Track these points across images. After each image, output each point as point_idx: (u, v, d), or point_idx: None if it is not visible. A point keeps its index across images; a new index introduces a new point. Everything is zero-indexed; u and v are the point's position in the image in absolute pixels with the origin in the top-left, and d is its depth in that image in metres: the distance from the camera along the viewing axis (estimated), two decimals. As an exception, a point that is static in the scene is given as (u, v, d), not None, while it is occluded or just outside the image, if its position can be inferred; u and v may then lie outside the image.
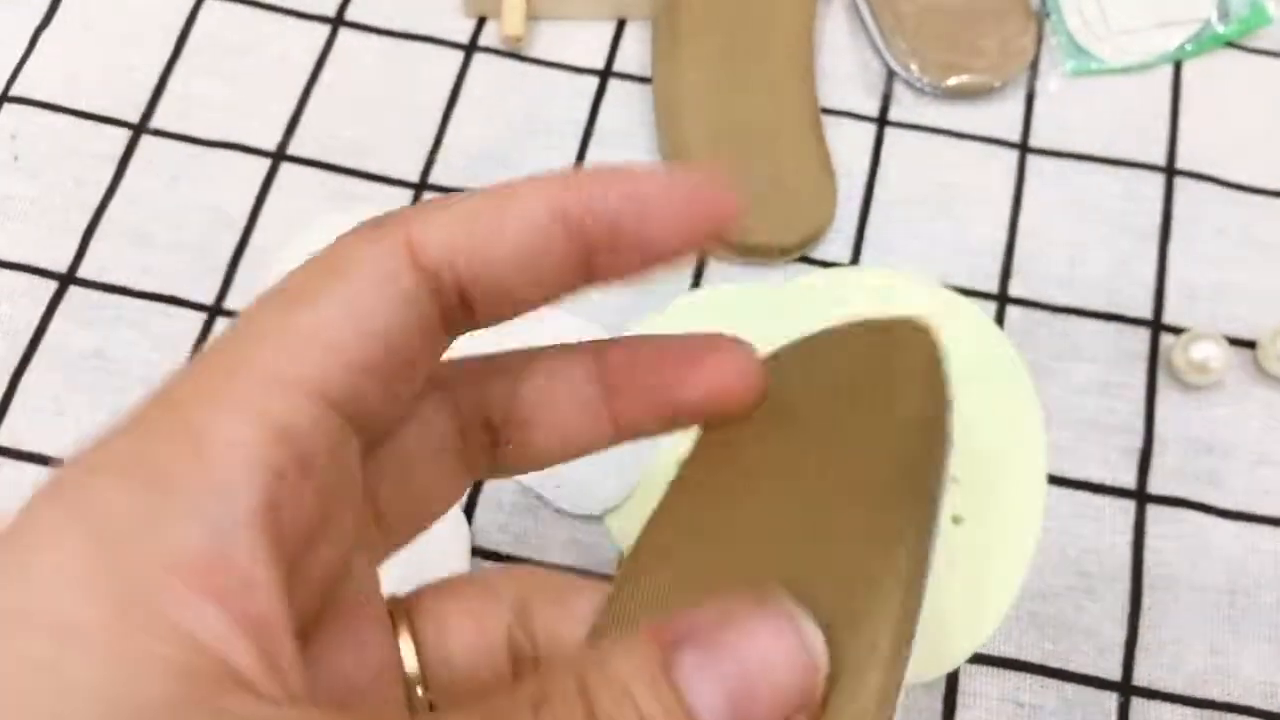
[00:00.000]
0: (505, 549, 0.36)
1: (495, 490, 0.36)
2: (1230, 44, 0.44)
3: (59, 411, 0.37)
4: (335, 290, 0.16)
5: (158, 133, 0.41)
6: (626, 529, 0.36)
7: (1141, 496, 0.36)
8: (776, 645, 0.15)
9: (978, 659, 0.34)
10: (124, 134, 0.41)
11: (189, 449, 0.14)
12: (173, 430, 0.15)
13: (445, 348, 0.19)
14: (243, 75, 0.43)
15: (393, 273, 0.17)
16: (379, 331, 0.17)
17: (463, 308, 0.18)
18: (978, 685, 0.34)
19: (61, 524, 0.14)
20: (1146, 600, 0.35)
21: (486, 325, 0.19)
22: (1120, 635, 0.35)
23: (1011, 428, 0.37)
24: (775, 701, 0.14)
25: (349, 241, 0.17)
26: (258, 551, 0.14)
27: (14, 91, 0.42)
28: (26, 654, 0.13)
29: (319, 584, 0.17)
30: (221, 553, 0.14)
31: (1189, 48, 0.44)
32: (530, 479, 0.36)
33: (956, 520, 0.36)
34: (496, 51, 0.43)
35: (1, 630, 0.13)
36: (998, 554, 0.36)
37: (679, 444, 0.36)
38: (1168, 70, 0.44)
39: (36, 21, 0.43)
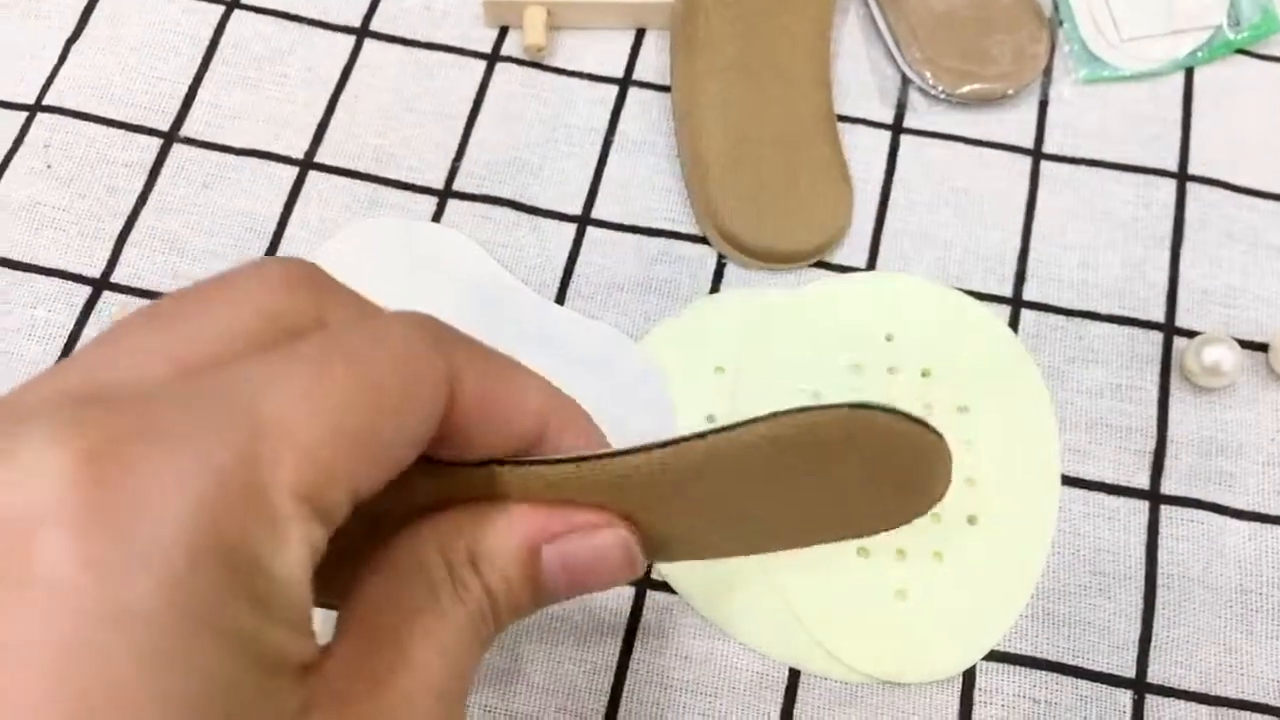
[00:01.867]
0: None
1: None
2: (1241, 50, 0.45)
3: (94, 414, 0.38)
4: (402, 407, 0.18)
5: (188, 141, 0.42)
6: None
7: (1155, 497, 0.37)
8: (612, 546, 0.21)
9: (994, 656, 0.35)
10: (155, 142, 0.42)
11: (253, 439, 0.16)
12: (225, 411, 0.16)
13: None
14: (271, 85, 0.44)
15: (437, 395, 0.19)
16: (415, 443, 0.19)
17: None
18: (994, 682, 0.35)
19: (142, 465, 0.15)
20: (1160, 599, 0.36)
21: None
22: (1134, 633, 0.35)
23: (1026, 430, 0.38)
24: (597, 582, 0.22)
25: (417, 353, 0.19)
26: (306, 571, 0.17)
27: (46, 101, 0.43)
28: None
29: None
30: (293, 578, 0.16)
31: (1201, 54, 0.44)
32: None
33: (972, 520, 0.36)
34: (518, 61, 0.44)
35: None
36: (1013, 553, 0.36)
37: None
38: (1179, 77, 0.44)
39: (68, 33, 0.44)
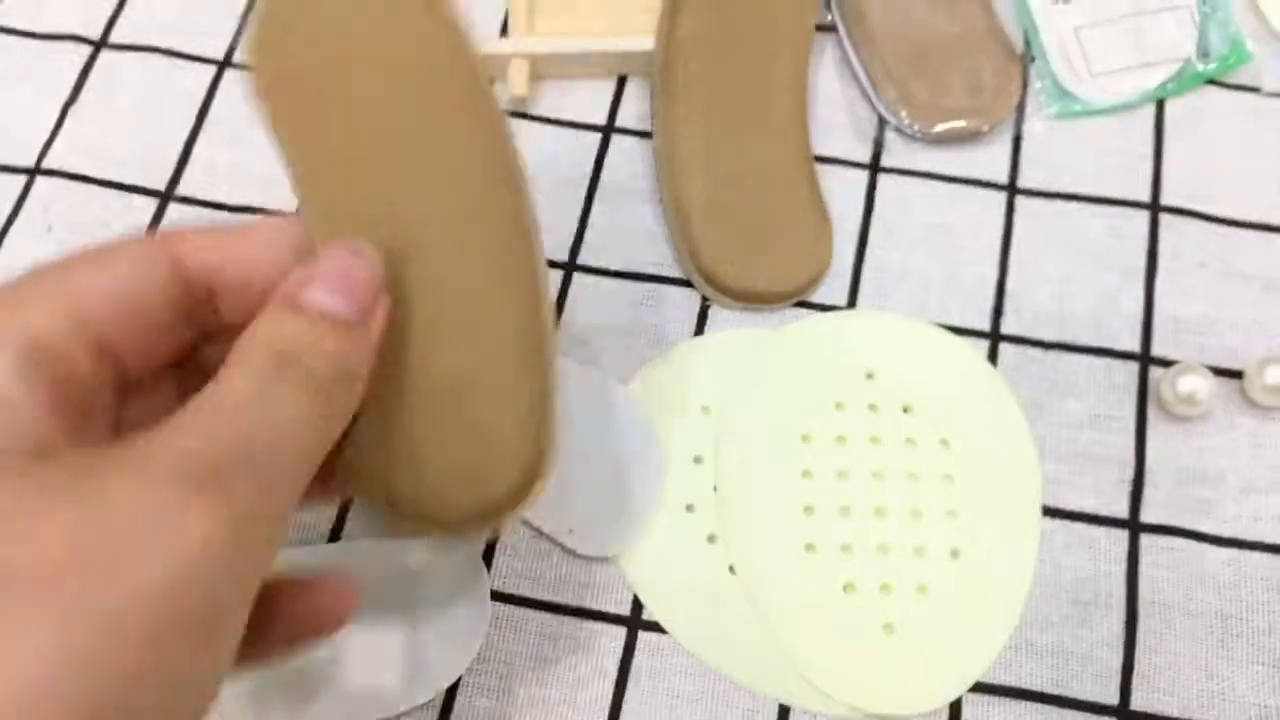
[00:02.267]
0: (523, 591, 0.37)
1: (511, 537, 0.38)
2: (1211, 81, 0.46)
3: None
4: (107, 261, 0.24)
5: (184, 200, 0.44)
6: (638, 569, 0.37)
7: (1134, 526, 0.38)
8: (345, 256, 0.25)
9: (980, 688, 0.36)
10: (152, 202, 0.44)
11: None
12: None
13: (190, 336, 0.26)
14: (263, 142, 0.45)
15: (151, 260, 0.24)
16: (133, 294, 0.24)
17: (210, 306, 0.25)
18: (980, 713, 0.35)
19: None
20: (1142, 627, 0.36)
21: (230, 324, 0.26)
22: (1117, 661, 0.36)
23: (1006, 463, 0.38)
24: (362, 282, 0.24)
25: (126, 237, 0.25)
26: (17, 387, 0.21)
27: (45, 164, 0.44)
28: None
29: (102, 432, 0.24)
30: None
31: (1171, 86, 0.45)
32: (545, 525, 0.38)
33: (955, 554, 0.37)
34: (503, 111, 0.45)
35: None
36: (996, 586, 0.37)
37: (686, 488, 0.38)
38: (1150, 109, 0.45)
39: (65, 97, 0.46)
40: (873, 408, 0.39)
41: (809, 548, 0.37)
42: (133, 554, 0.18)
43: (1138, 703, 0.35)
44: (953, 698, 0.35)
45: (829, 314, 0.41)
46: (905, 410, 0.39)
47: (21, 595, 0.18)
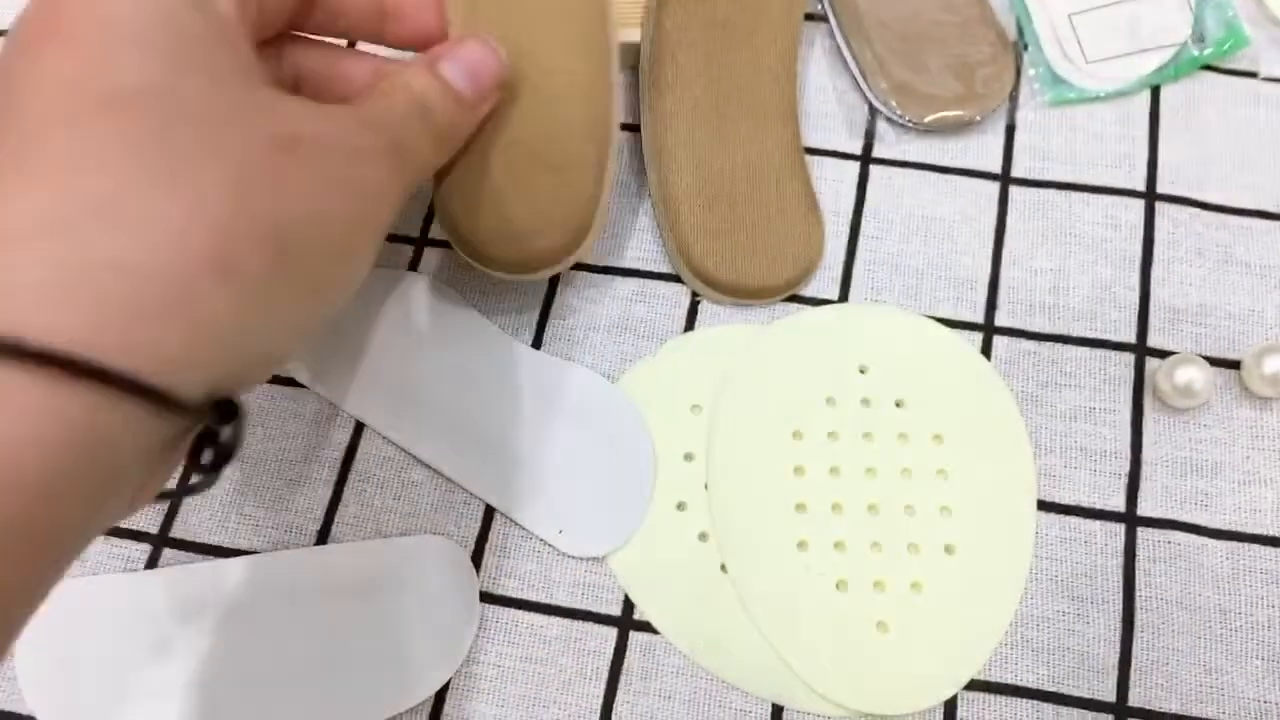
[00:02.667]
0: (512, 593, 0.37)
1: (500, 537, 0.38)
2: (1208, 67, 0.45)
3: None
4: None
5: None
6: (629, 569, 0.37)
7: (1131, 519, 0.37)
8: (483, 52, 0.33)
9: (976, 685, 0.35)
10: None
11: None
12: None
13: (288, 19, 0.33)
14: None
15: None
16: None
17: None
18: (976, 711, 0.35)
19: None
20: (1139, 621, 0.36)
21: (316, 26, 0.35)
22: (1114, 657, 0.35)
23: (1000, 458, 0.38)
24: (484, 79, 0.33)
25: None
26: None
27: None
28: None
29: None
30: None
31: (1167, 72, 0.45)
32: (533, 525, 0.37)
33: (949, 550, 0.37)
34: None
35: None
36: (991, 582, 0.36)
37: (677, 486, 0.37)
38: (1146, 96, 0.44)
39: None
40: (865, 403, 0.39)
41: (801, 545, 0.37)
42: (358, 161, 0.28)
43: (1136, 699, 0.35)
44: (947, 696, 0.35)
45: (820, 308, 0.41)
46: (898, 405, 0.39)
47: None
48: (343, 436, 0.39)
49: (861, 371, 0.39)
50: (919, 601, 0.36)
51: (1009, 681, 0.35)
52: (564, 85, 0.36)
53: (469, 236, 0.36)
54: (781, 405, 0.39)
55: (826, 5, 0.46)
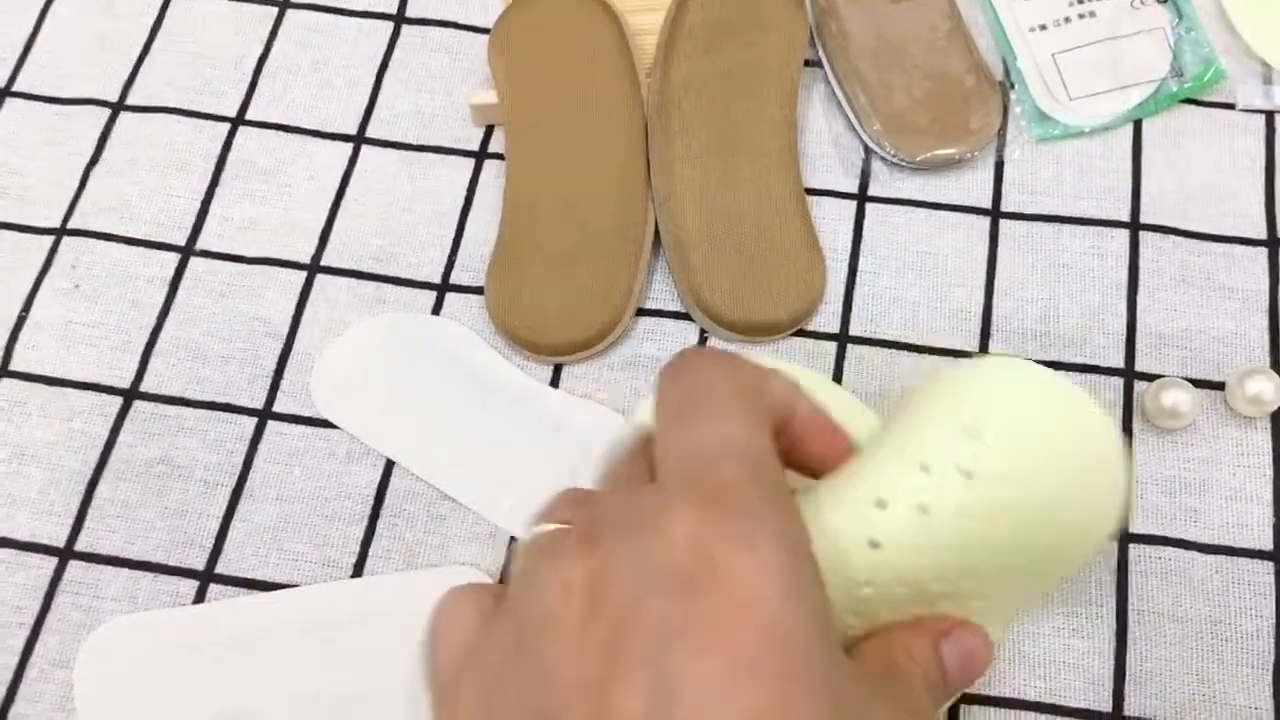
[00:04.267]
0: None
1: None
2: (1187, 100, 0.47)
3: (130, 518, 0.41)
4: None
5: (204, 254, 0.46)
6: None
7: (1123, 536, 0.39)
8: (981, 644, 0.30)
9: (975, 699, 0.37)
10: (174, 257, 0.46)
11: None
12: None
13: None
14: (277, 195, 0.47)
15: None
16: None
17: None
18: (979, 723, 0.37)
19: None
20: (1132, 634, 0.38)
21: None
22: (1109, 668, 0.37)
23: None
24: (974, 671, 0.30)
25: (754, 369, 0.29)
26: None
27: (71, 224, 0.46)
28: None
29: None
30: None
31: (1148, 106, 0.47)
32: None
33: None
34: (504, 157, 0.47)
35: None
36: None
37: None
38: (1128, 129, 0.47)
39: (87, 159, 0.48)
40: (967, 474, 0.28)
41: None
42: None
43: (1131, 708, 0.37)
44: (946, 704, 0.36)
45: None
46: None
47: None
48: (373, 475, 0.42)
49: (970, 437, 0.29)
50: None
51: (1008, 695, 0.37)
52: (604, 197, 0.44)
53: (515, 331, 0.43)
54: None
55: (821, 53, 0.48)
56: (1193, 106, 0.47)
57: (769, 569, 0.22)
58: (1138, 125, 0.47)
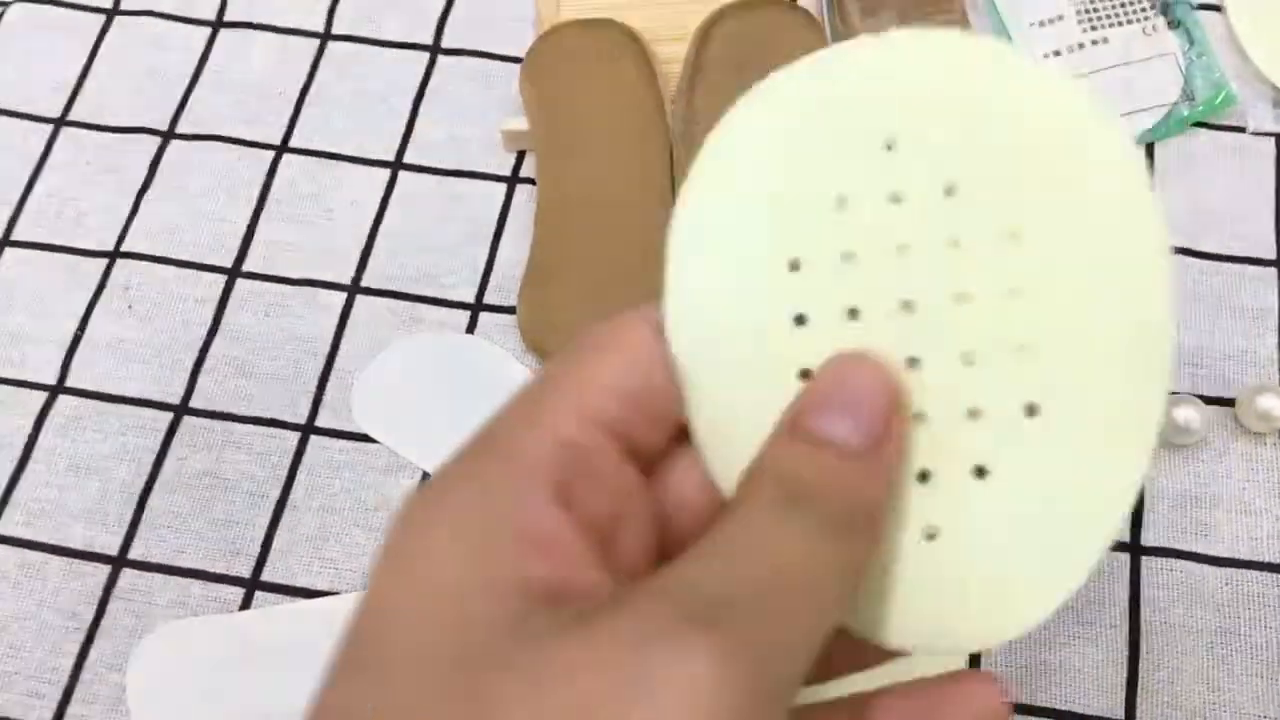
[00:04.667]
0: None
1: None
2: (1199, 124, 0.48)
3: (180, 528, 0.43)
4: (604, 353, 0.23)
5: (250, 275, 0.48)
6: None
7: (1136, 549, 0.40)
8: (858, 373, 0.22)
9: (993, 705, 0.38)
10: (221, 279, 0.48)
11: (507, 466, 0.21)
12: (490, 455, 0.22)
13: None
14: (318, 218, 0.49)
15: (643, 338, 0.23)
16: (640, 379, 0.22)
17: None
18: (995, 729, 0.38)
19: (431, 520, 0.21)
20: (1145, 644, 0.39)
21: None
22: (1122, 677, 0.39)
23: (1113, 262, 0.23)
24: (870, 404, 0.21)
25: (605, 325, 0.23)
26: (566, 526, 0.20)
27: (124, 248, 0.49)
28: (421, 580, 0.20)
29: (627, 562, 0.22)
30: (546, 529, 0.20)
31: (1160, 130, 0.48)
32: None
33: (1032, 411, 0.22)
34: (535, 181, 0.49)
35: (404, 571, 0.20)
36: (1096, 456, 0.22)
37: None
38: (1141, 152, 0.48)
39: (139, 185, 0.50)
40: (896, 199, 0.23)
41: None
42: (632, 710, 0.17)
43: (1143, 716, 0.38)
44: (1030, 623, 0.23)
45: (821, 54, 0.24)
46: (948, 193, 0.23)
47: None
48: (411, 486, 0.44)
49: (888, 149, 0.23)
50: (984, 494, 0.23)
51: (1024, 701, 0.38)
52: (630, 221, 0.46)
53: (545, 349, 0.45)
54: (765, 216, 0.24)
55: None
56: (1204, 130, 0.48)
57: None
58: (1150, 148, 0.48)
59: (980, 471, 0.22)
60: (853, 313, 0.23)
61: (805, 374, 0.23)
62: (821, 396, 0.22)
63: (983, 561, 0.23)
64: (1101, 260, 0.22)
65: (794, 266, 0.23)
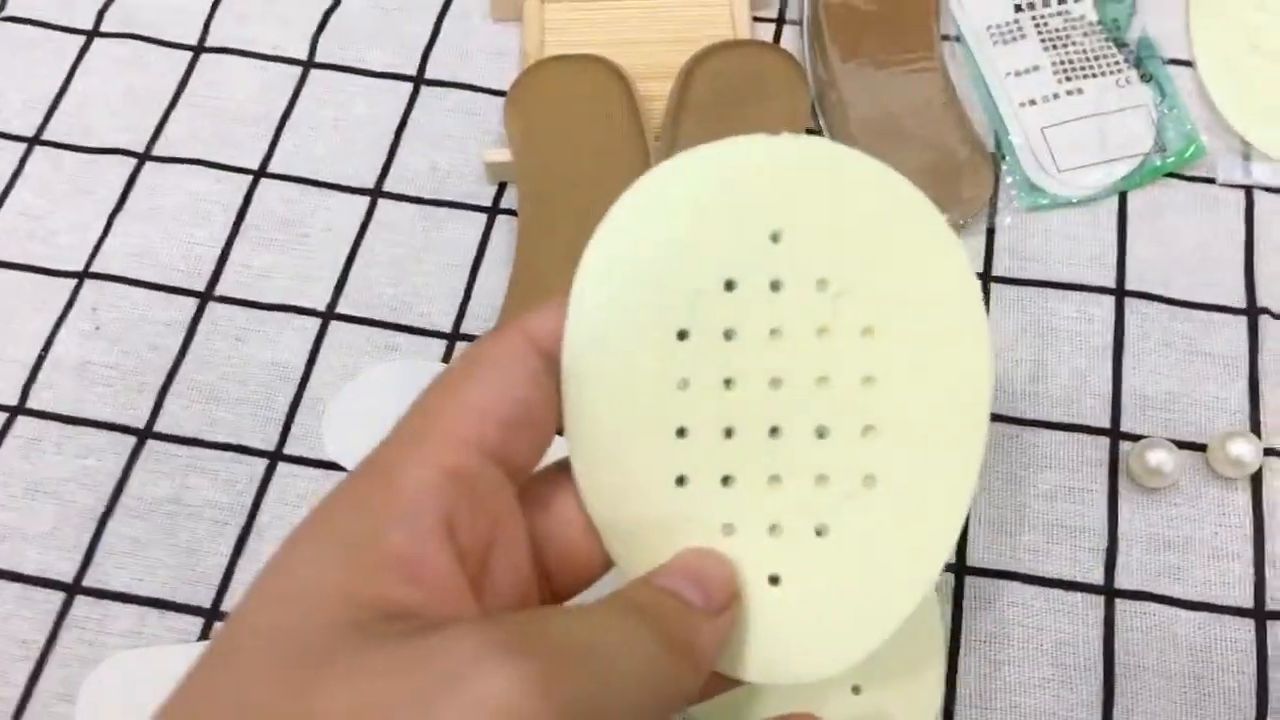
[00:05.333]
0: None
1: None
2: (1170, 174, 0.49)
3: (139, 555, 0.42)
4: (483, 375, 0.24)
5: (222, 299, 0.47)
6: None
7: (1110, 592, 0.40)
8: (702, 559, 0.26)
9: (967, 748, 0.38)
10: (192, 302, 0.47)
11: (389, 492, 0.22)
12: (375, 481, 0.23)
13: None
14: (295, 244, 0.49)
15: (521, 356, 0.25)
16: (517, 400, 0.24)
17: None
18: (969, 773, 0.38)
19: (305, 537, 0.23)
20: (1118, 687, 0.39)
21: None
22: (1097, 721, 0.38)
23: (949, 357, 0.28)
24: (708, 587, 0.25)
25: (484, 342, 0.25)
26: (442, 554, 0.22)
27: (94, 268, 0.48)
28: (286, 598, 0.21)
29: (505, 588, 0.24)
30: (417, 554, 0.22)
31: (1132, 179, 0.49)
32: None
33: (869, 482, 0.27)
34: (516, 213, 0.49)
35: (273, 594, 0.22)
36: (919, 522, 0.28)
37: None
38: (1114, 201, 0.49)
39: (111, 205, 0.50)
40: (775, 286, 0.27)
41: (680, 480, 0.28)
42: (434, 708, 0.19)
43: (1118, 760, 0.38)
44: (852, 661, 0.27)
45: (723, 143, 0.28)
46: (820, 286, 0.27)
47: None
48: (381, 517, 0.43)
49: (774, 239, 0.27)
50: (823, 548, 0.27)
51: (999, 744, 0.38)
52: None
53: None
54: (664, 293, 0.27)
55: (821, 122, 0.50)
56: (1175, 180, 0.49)
57: None
58: (1123, 197, 0.49)
59: (820, 530, 0.27)
60: (728, 383, 0.28)
61: (682, 432, 0.27)
62: (676, 571, 0.26)
63: (816, 606, 0.28)
64: (936, 360, 0.27)
65: (682, 336, 0.27)
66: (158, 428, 0.44)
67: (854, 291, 0.28)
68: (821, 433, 0.28)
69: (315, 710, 0.19)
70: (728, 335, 0.28)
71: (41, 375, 0.46)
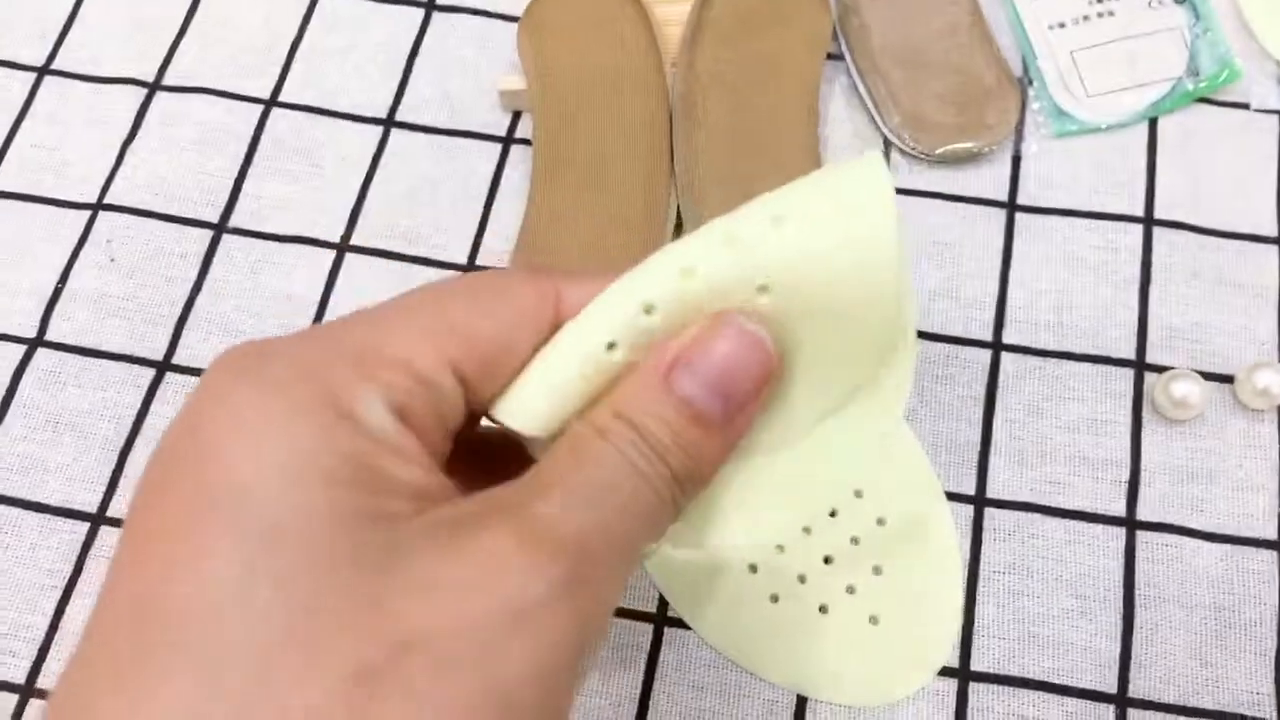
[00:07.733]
0: (557, 592, 0.40)
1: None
2: (1202, 99, 0.48)
3: (162, 484, 0.42)
4: (494, 310, 0.23)
5: (236, 231, 0.47)
6: (662, 571, 0.40)
7: (1131, 523, 0.40)
8: (738, 346, 0.23)
9: (985, 678, 0.38)
10: (207, 234, 0.47)
11: (358, 369, 0.22)
12: (341, 356, 0.23)
13: None
14: (308, 175, 0.48)
15: (533, 315, 0.24)
16: (505, 344, 0.23)
17: None
18: (985, 702, 0.38)
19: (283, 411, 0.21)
20: (1138, 619, 0.39)
21: None
22: (1115, 651, 0.38)
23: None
24: (745, 381, 0.23)
25: (518, 275, 0.24)
26: (405, 436, 0.22)
27: (107, 200, 0.48)
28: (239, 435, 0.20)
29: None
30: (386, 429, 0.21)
31: (1163, 105, 0.47)
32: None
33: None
34: (531, 142, 0.48)
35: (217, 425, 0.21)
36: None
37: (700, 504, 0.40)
38: (1144, 127, 0.47)
39: (124, 136, 0.49)
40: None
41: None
42: (505, 643, 0.19)
43: (1136, 690, 0.38)
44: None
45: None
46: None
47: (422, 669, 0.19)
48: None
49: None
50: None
51: (1016, 674, 0.38)
52: (628, 182, 0.45)
53: None
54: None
55: (843, 45, 0.49)
56: (1208, 106, 0.48)
57: None
58: (1153, 123, 0.47)
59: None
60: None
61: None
62: (704, 362, 0.23)
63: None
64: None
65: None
66: (176, 360, 0.44)
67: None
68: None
69: (402, 629, 0.19)
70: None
71: (59, 307, 0.45)
